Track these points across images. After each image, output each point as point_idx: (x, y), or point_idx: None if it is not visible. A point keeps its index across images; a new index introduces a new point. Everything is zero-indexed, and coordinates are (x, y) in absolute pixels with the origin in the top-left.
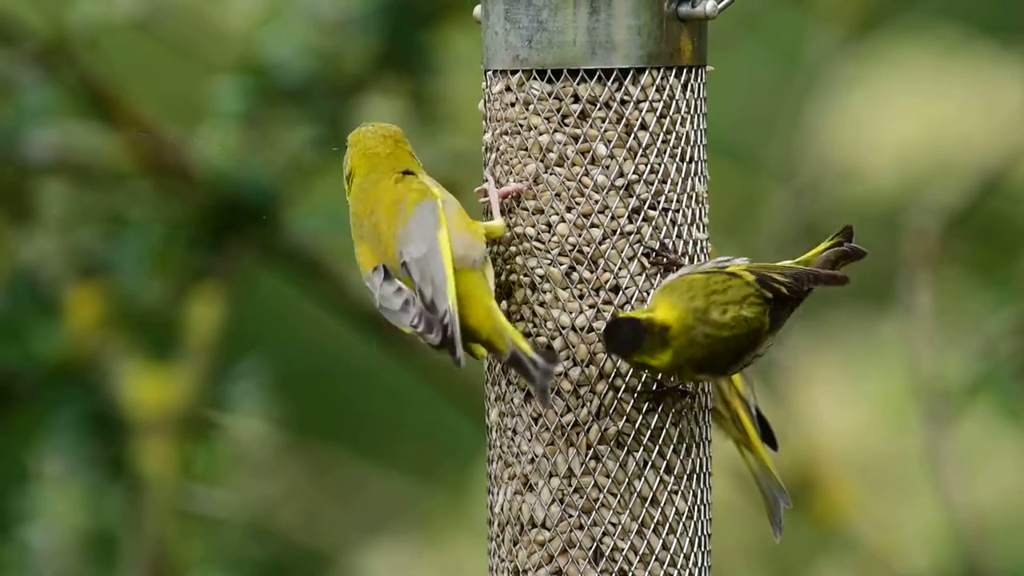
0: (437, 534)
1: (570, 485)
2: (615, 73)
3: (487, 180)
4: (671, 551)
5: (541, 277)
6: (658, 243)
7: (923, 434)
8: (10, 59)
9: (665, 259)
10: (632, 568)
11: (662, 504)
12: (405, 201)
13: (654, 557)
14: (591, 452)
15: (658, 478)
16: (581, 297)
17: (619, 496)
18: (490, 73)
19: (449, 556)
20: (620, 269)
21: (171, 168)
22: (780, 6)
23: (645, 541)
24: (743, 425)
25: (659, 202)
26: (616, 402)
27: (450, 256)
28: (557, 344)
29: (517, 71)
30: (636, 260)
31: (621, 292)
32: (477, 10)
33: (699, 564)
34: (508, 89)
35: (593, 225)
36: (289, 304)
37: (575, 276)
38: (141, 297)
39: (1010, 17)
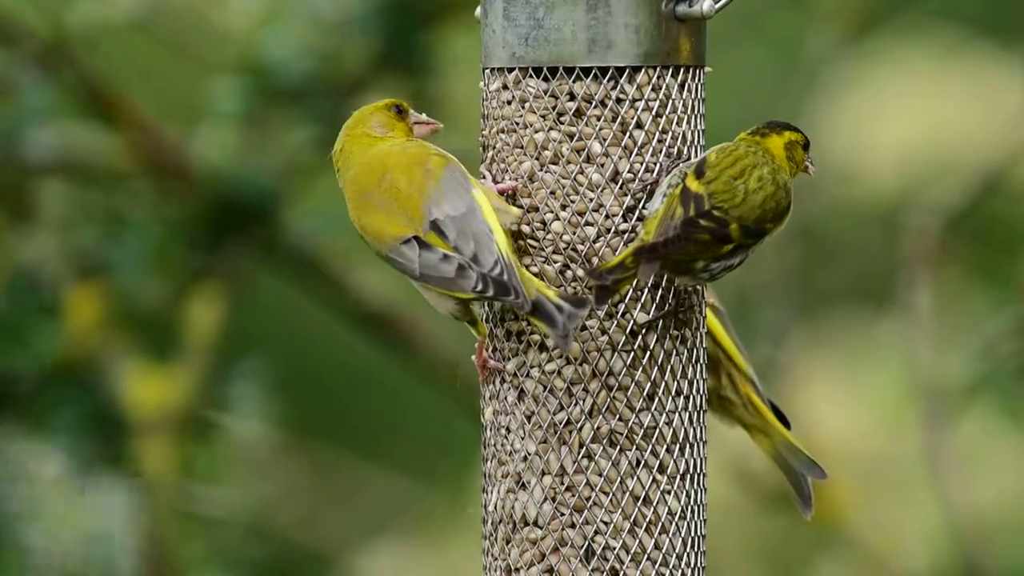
0: (436, 535)
1: (562, 483)
2: (611, 71)
3: (484, 176)
4: (663, 551)
5: (535, 275)
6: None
7: (922, 434)
8: (10, 59)
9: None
10: (624, 567)
11: (655, 503)
12: (428, 163)
13: (646, 556)
14: (584, 450)
15: (651, 477)
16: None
17: (611, 495)
18: (488, 71)
19: (448, 557)
20: None
21: (171, 168)
22: (780, 6)
23: (637, 540)
24: (756, 408)
25: None
26: (609, 400)
27: (492, 212)
28: (550, 342)
29: (514, 68)
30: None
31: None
32: (478, 10)
33: (692, 564)
34: (505, 87)
35: (587, 223)
36: (288, 304)
37: (569, 274)
38: (141, 297)
39: (1010, 17)
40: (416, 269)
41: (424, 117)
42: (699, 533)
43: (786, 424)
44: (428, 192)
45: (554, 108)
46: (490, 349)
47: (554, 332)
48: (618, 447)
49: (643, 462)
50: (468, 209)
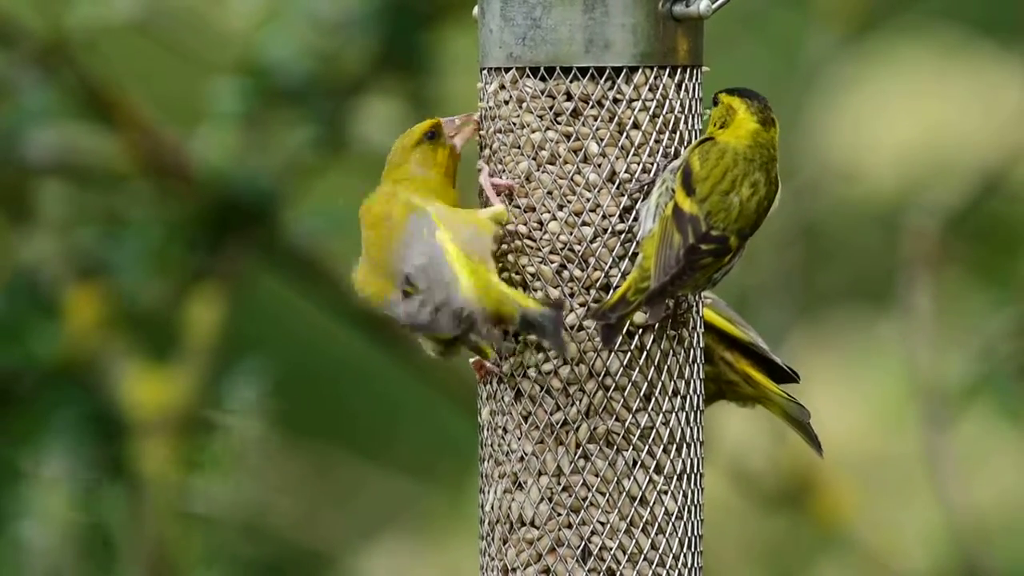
0: (435, 534)
1: (559, 484)
2: (608, 71)
3: (480, 169)
4: (660, 551)
5: (532, 275)
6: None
7: (922, 435)
8: (10, 60)
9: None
10: (620, 567)
11: (651, 504)
12: (392, 217)
13: (643, 557)
14: (580, 451)
15: (647, 478)
16: (572, 295)
17: (608, 495)
18: (485, 71)
19: (447, 556)
20: (611, 268)
21: (170, 169)
22: (779, 6)
23: (634, 541)
24: (754, 380)
25: None
26: (606, 401)
27: (456, 252)
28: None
29: (511, 68)
30: (627, 259)
31: (612, 290)
32: (476, 10)
33: (689, 565)
34: (502, 87)
35: (584, 223)
36: (288, 305)
37: (566, 274)
38: (140, 298)
39: (1010, 17)
40: (403, 319)
41: (456, 122)
42: (696, 533)
43: (797, 377)
44: (393, 247)
45: (551, 108)
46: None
47: (546, 339)
48: (615, 447)
49: (640, 462)
50: (430, 257)
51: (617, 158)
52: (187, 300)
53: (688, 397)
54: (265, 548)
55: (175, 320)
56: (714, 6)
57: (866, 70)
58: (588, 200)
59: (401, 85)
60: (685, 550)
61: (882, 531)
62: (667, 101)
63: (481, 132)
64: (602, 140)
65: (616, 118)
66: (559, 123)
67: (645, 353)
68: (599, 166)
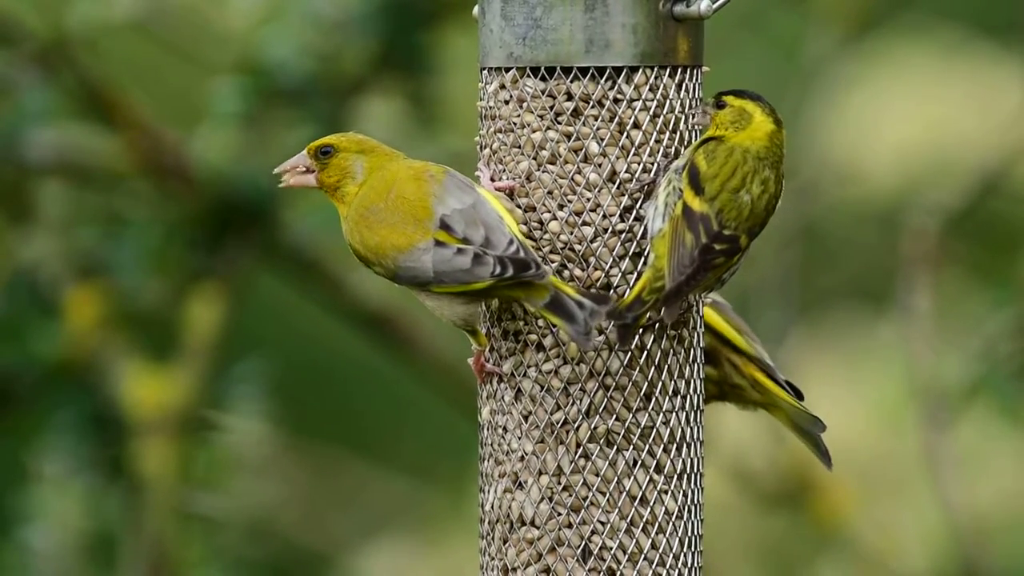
0: (436, 535)
1: (559, 483)
2: (608, 71)
3: (480, 172)
4: (660, 550)
5: None
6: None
7: (921, 435)
8: (10, 60)
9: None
10: (620, 567)
11: (651, 503)
12: (429, 170)
13: (643, 556)
14: (581, 450)
15: (648, 477)
16: None
17: (608, 495)
18: (486, 71)
19: (448, 557)
20: (611, 267)
21: (170, 169)
22: (780, 6)
23: (634, 540)
24: (762, 385)
25: None
26: (606, 400)
27: (498, 203)
28: (547, 342)
29: (511, 68)
30: (627, 258)
31: (612, 290)
32: (476, 9)
33: (689, 564)
34: (502, 87)
35: (584, 223)
36: (288, 305)
37: (566, 274)
38: (140, 297)
39: (1010, 17)
40: (429, 269)
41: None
42: (696, 533)
43: (800, 397)
44: (433, 192)
45: (552, 108)
46: (488, 350)
47: (573, 328)
48: (615, 447)
49: (640, 462)
50: (474, 201)
51: (617, 158)
52: (187, 300)
53: (688, 397)
54: (266, 548)
55: (175, 320)
56: (715, 6)
57: (866, 70)
58: (588, 200)
59: (401, 85)
60: (685, 549)
61: (882, 531)
62: (667, 101)
63: (481, 132)
64: (602, 140)
65: (616, 118)
66: (559, 123)
67: (645, 353)
68: (599, 166)
